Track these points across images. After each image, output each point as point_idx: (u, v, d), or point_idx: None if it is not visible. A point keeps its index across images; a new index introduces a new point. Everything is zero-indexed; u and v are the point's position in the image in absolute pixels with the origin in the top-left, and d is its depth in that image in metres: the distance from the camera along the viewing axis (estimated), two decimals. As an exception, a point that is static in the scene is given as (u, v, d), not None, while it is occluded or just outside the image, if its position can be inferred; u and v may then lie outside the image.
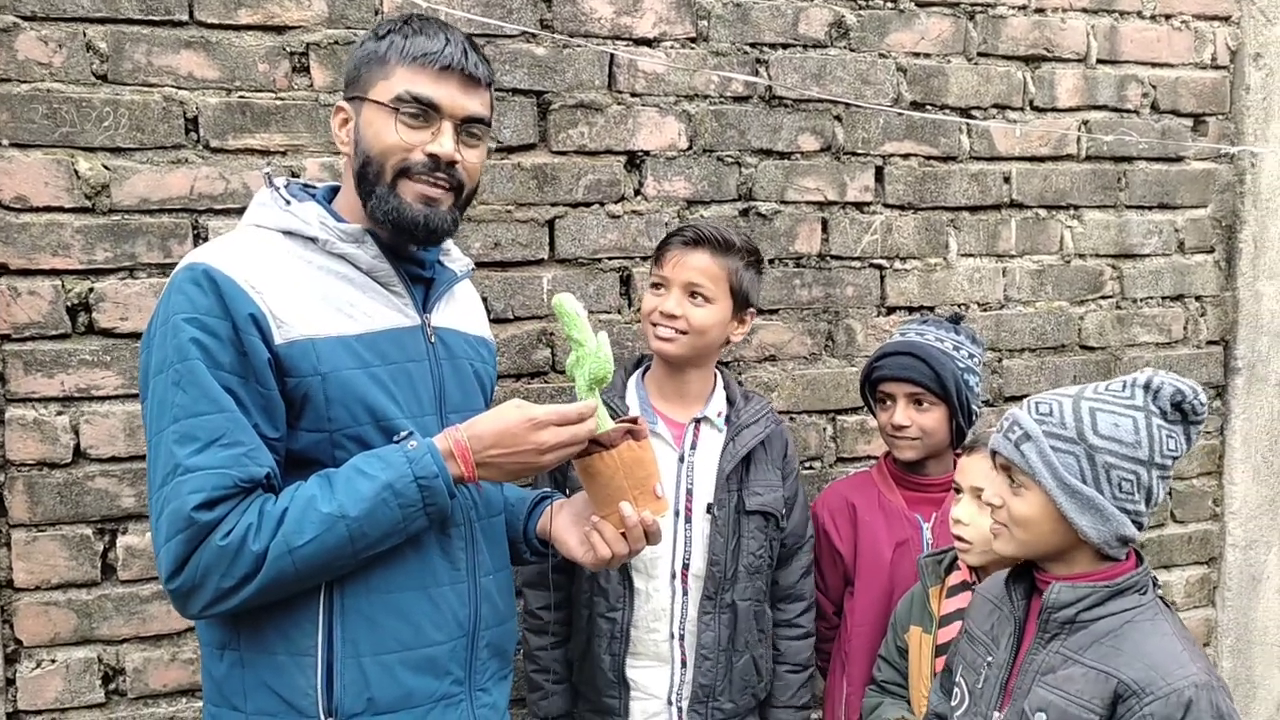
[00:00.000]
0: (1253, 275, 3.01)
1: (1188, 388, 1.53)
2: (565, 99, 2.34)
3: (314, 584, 1.39)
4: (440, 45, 1.45)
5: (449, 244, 1.63)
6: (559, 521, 1.63)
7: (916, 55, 2.63)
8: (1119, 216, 2.87)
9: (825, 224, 2.59)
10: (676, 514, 2.05)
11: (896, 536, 2.23)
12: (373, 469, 1.36)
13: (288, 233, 1.46)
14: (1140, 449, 1.51)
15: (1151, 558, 2.98)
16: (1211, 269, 3.00)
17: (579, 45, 2.33)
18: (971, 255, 2.73)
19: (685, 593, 2.05)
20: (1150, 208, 2.91)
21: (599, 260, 2.40)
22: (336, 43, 2.16)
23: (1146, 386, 1.55)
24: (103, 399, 2.07)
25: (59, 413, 2.04)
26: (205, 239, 2.09)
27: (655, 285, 2.07)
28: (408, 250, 1.53)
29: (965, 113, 2.68)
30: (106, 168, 2.04)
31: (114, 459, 2.08)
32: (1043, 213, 2.79)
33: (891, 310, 2.67)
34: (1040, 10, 2.73)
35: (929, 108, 2.64)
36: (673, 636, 2.05)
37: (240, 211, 1.62)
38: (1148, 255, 2.92)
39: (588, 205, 2.38)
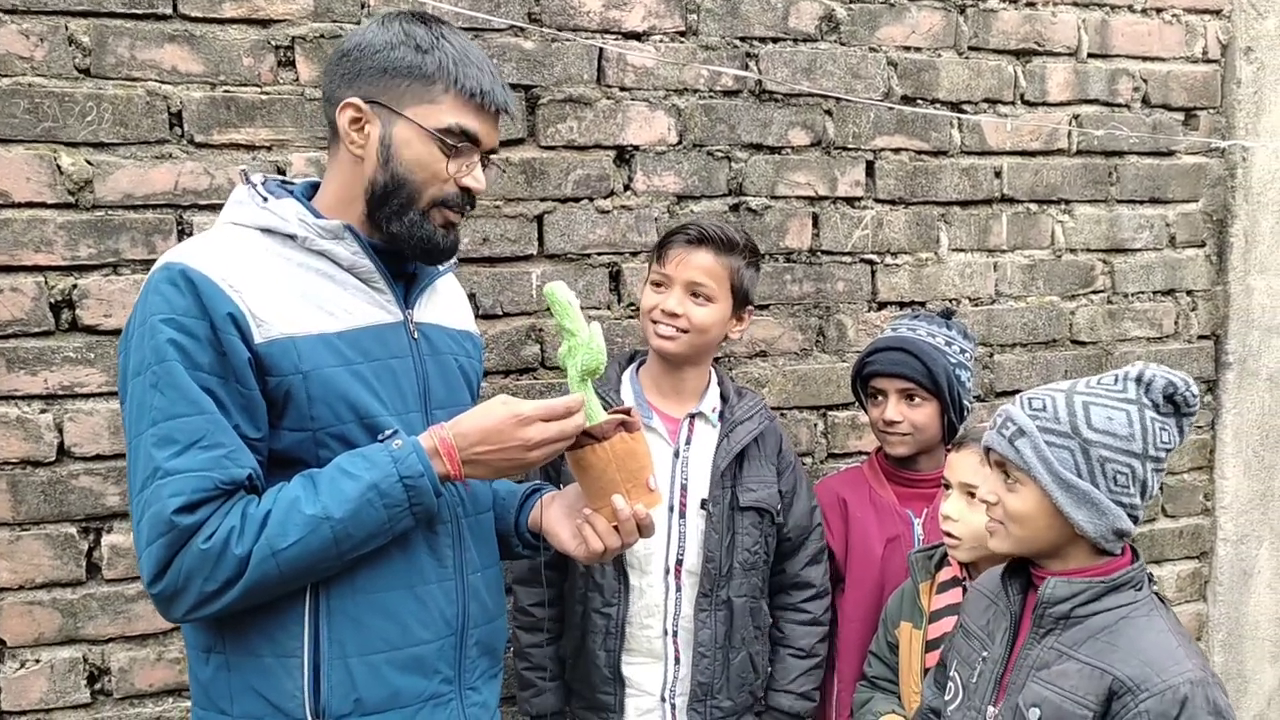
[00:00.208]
0: (1244, 270, 3.00)
1: (1179, 380, 1.53)
2: (554, 93, 2.32)
3: (299, 586, 1.37)
4: (489, 83, 1.47)
5: None
6: (551, 514, 1.61)
7: (907, 49, 2.62)
8: (1110, 211, 2.87)
9: (816, 219, 2.58)
10: (671, 509, 2.04)
11: (887, 532, 2.22)
12: (357, 469, 1.34)
13: (266, 230, 1.43)
14: (1134, 442, 1.51)
15: (1143, 552, 2.96)
16: (1202, 263, 2.99)
17: (568, 39, 2.31)
18: (962, 250, 2.72)
19: (679, 589, 2.04)
20: (1141, 202, 2.90)
21: (588, 256, 2.39)
22: (322, 36, 2.14)
23: (1138, 379, 1.54)
24: (86, 396, 2.05)
25: (42, 410, 2.02)
26: (190, 235, 2.07)
27: (656, 283, 2.05)
28: (390, 246, 1.51)
29: (956, 107, 2.67)
30: (89, 163, 2.02)
31: (98, 457, 2.06)
32: (1034, 207, 2.79)
33: (882, 305, 2.66)
34: (1031, 4, 2.72)
35: (920, 102, 2.63)
36: (666, 633, 2.05)
37: (225, 207, 1.61)
38: (1139, 250, 2.91)
39: (577, 200, 2.37)
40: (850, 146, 2.58)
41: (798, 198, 2.55)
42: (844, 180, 2.58)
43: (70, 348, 2.03)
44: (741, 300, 2.07)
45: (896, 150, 2.63)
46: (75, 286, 2.03)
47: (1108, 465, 1.50)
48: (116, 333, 2.01)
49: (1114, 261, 2.89)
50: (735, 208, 2.49)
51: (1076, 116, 2.80)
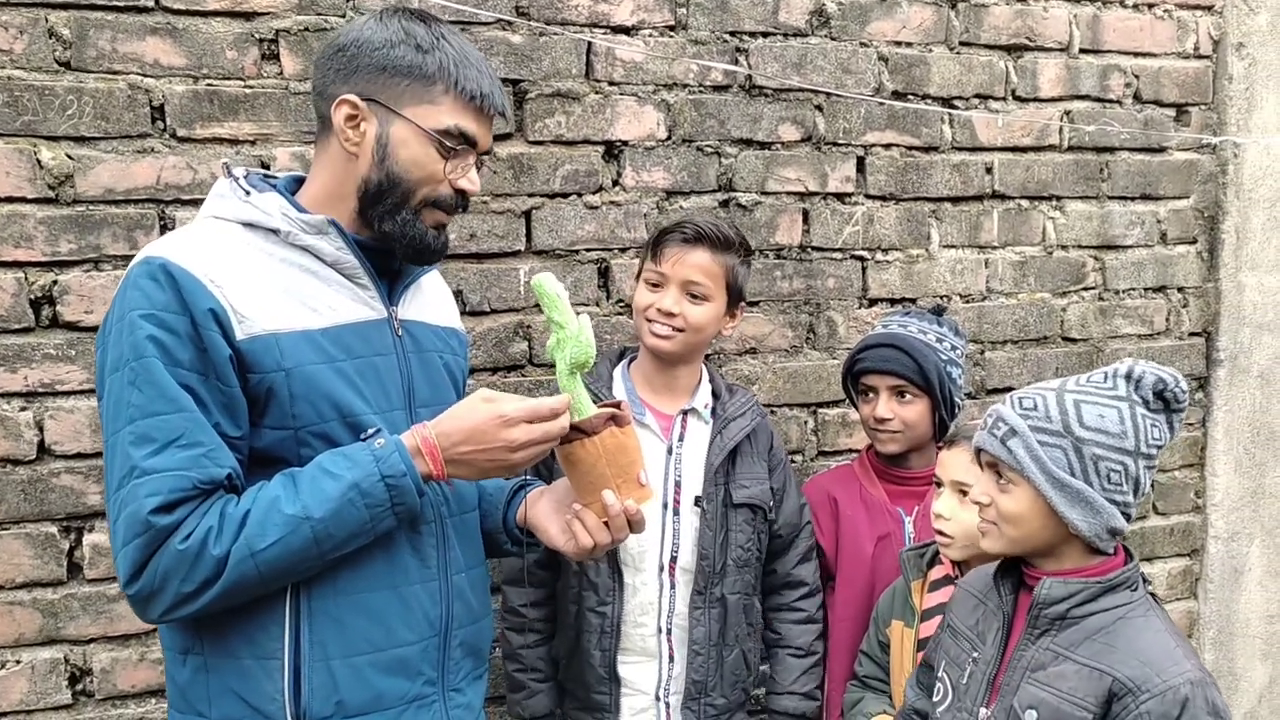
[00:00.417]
0: (1235, 266, 3.00)
1: (1169, 376, 1.53)
2: (542, 88, 2.30)
3: (280, 586, 1.35)
4: (489, 86, 1.46)
5: None
6: (539, 509, 1.59)
7: (898, 44, 2.60)
8: (1101, 207, 2.86)
9: (806, 215, 2.56)
10: (664, 506, 2.03)
11: (878, 530, 2.21)
12: (338, 468, 1.32)
13: (248, 224, 1.41)
14: (1127, 439, 1.50)
15: (1134, 550, 2.96)
16: (1194, 260, 2.99)
17: (556, 33, 2.29)
18: (953, 246, 2.71)
19: (673, 586, 2.03)
20: (1133, 198, 2.89)
21: (576, 252, 2.37)
22: (307, 30, 2.12)
23: (1128, 376, 1.54)
24: (67, 394, 2.02)
25: (22, 408, 2.00)
26: (172, 230, 2.04)
27: (651, 282, 2.03)
28: (380, 245, 1.49)
29: (947, 102, 2.66)
30: (70, 157, 1.99)
31: (79, 455, 2.03)
32: (1025, 203, 2.78)
33: (873, 302, 2.64)
34: (1023, -1, 2.72)
35: (911, 97, 2.62)
36: (660, 631, 2.04)
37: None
38: (1130, 246, 2.91)
39: (565, 196, 2.35)
40: (841, 142, 2.57)
41: (788, 194, 2.53)
42: (834, 176, 2.57)
43: (51, 345, 2.00)
44: (735, 297, 2.07)
45: (887, 146, 2.61)
46: (56, 283, 2.00)
47: (1101, 463, 1.49)
48: (98, 329, 1.98)
49: (1105, 258, 2.88)
50: (725, 204, 2.48)
51: (1068, 112, 2.79)
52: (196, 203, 2.05)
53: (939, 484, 2.01)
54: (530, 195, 2.32)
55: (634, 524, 1.50)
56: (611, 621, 2.01)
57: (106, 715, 2.09)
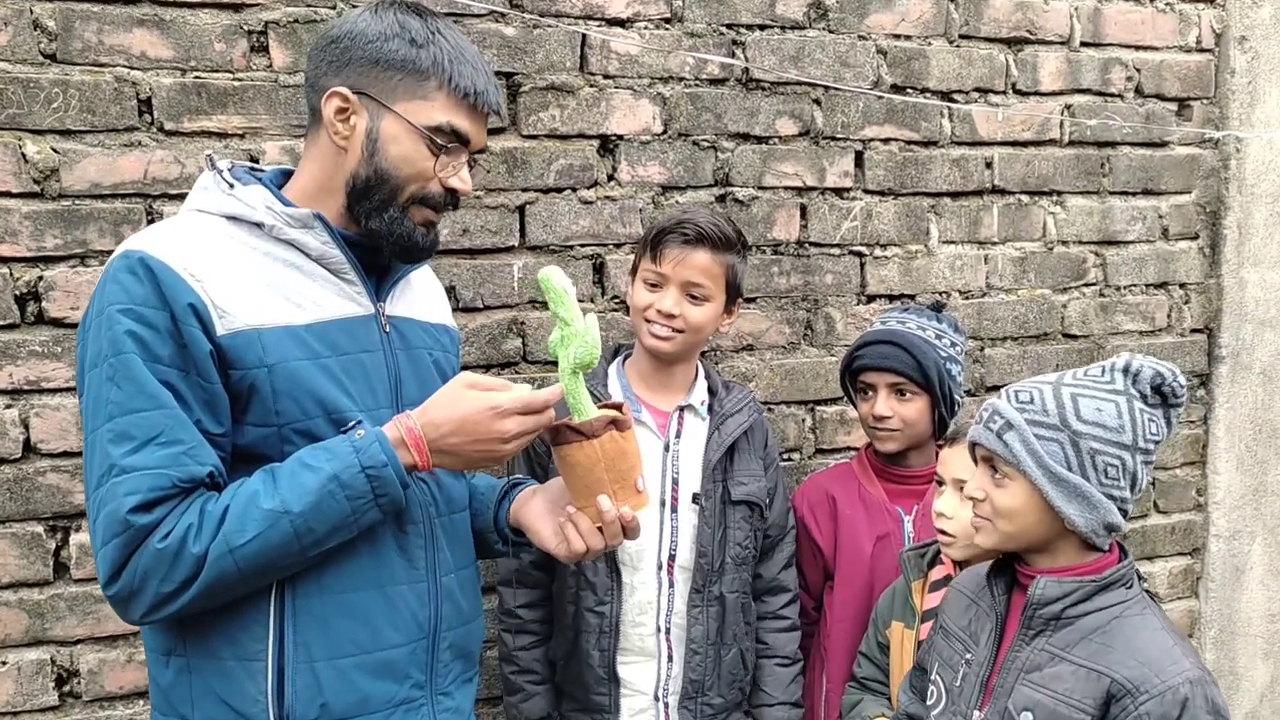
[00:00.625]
0: (1237, 262, 2.97)
1: (1167, 370, 1.51)
2: (536, 81, 2.27)
3: (263, 584, 1.32)
4: (484, 83, 1.43)
5: None
6: (531, 509, 1.56)
7: (897, 37, 2.57)
8: (1102, 203, 2.83)
9: (804, 210, 2.53)
10: (662, 504, 2.01)
11: (877, 530, 2.19)
12: (317, 461, 1.30)
13: (232, 217, 1.38)
14: (1124, 433, 1.48)
15: (1134, 548, 2.96)
16: (1196, 256, 2.97)
17: (550, 25, 2.26)
18: (953, 242, 2.69)
19: (671, 585, 2.01)
20: (1134, 194, 2.87)
21: (571, 248, 2.34)
22: (297, 21, 2.09)
23: (1126, 370, 1.52)
24: (53, 391, 1.99)
25: (8, 406, 1.97)
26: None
27: (650, 282, 2.00)
28: (367, 242, 1.46)
29: (947, 96, 2.63)
30: (56, 151, 1.96)
31: (65, 454, 2.01)
32: (1025, 199, 2.75)
33: (872, 298, 2.62)
34: (1023, -9, 2.69)
35: (910, 91, 2.59)
36: (659, 630, 2.01)
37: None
38: (1131, 242, 2.88)
39: (559, 191, 2.32)
40: (839, 136, 2.54)
41: (785, 188, 2.50)
42: (832, 171, 2.54)
43: (36, 341, 1.98)
44: (734, 295, 2.05)
45: (886, 140, 2.58)
46: (41, 278, 1.97)
47: (1098, 457, 1.47)
48: (81, 325, 1.96)
49: (1106, 254, 2.86)
50: (721, 198, 2.45)
51: (1069, 106, 2.76)
52: (184, 198, 1.98)
53: (940, 482, 1.99)
54: (524, 190, 2.29)
55: (629, 531, 1.47)
56: (610, 621, 1.99)
57: (94, 717, 2.06)
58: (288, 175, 1.51)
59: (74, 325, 1.98)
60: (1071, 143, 2.78)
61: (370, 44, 1.39)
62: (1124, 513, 1.50)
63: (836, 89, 2.51)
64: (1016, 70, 2.70)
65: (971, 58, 2.65)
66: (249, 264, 1.35)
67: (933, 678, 1.65)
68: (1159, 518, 3.00)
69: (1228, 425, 3.01)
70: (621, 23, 2.33)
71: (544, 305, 2.31)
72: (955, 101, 2.64)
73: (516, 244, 2.30)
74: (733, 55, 2.42)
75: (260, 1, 2.06)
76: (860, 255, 2.60)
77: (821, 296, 2.57)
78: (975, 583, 1.65)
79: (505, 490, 1.66)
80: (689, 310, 1.97)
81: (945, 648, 1.65)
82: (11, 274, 1.95)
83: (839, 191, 2.56)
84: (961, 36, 2.64)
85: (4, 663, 2.00)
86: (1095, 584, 1.48)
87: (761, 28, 2.44)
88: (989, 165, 2.70)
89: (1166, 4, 2.84)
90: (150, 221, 2.02)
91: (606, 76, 2.33)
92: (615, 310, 2.38)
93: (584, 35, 2.29)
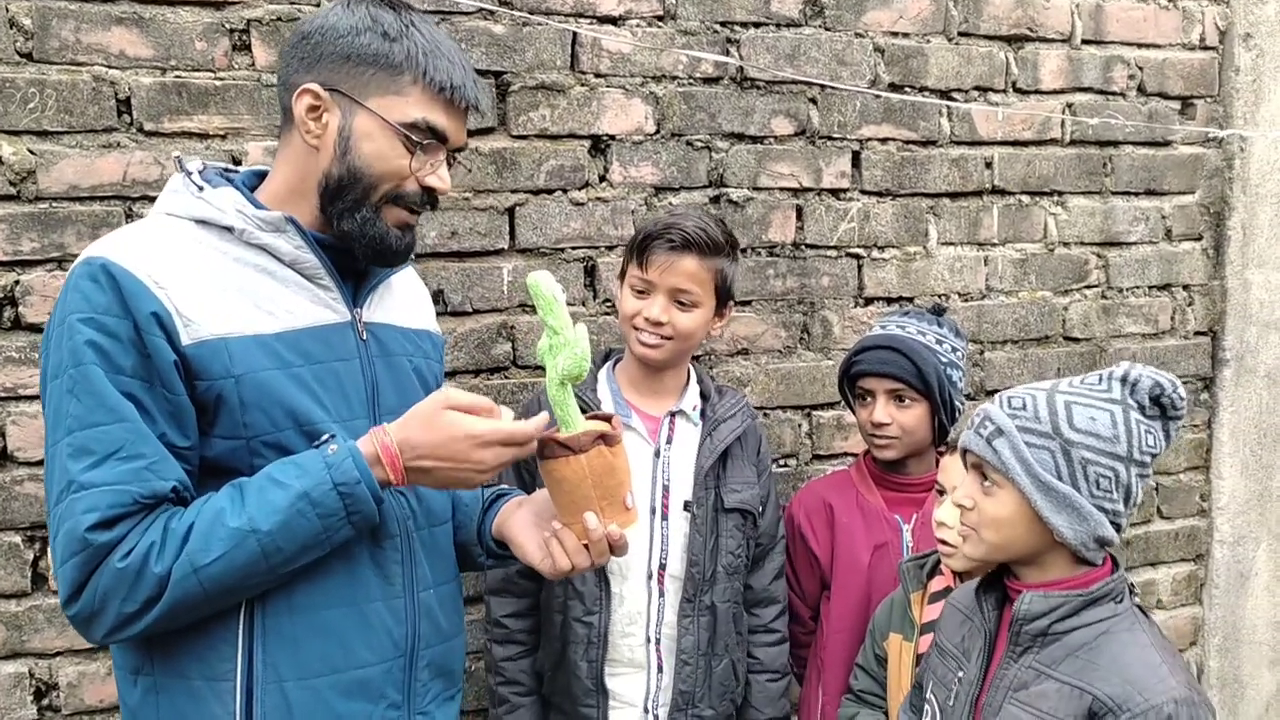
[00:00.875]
0: (1241, 264, 2.93)
1: (1166, 381, 1.46)
2: (525, 80, 2.23)
3: (231, 603, 1.28)
4: (460, 77, 1.38)
5: None
6: (516, 522, 1.51)
7: (895, 35, 2.53)
8: (1104, 203, 2.79)
9: (800, 211, 2.49)
10: (653, 512, 1.97)
11: (875, 539, 2.15)
12: (287, 477, 1.25)
13: (201, 221, 1.34)
14: (1118, 444, 1.44)
15: (1137, 555, 2.92)
16: (1199, 257, 2.93)
17: (539, 23, 2.22)
18: (952, 244, 2.64)
19: (662, 594, 1.97)
20: (1137, 194, 2.83)
21: (562, 250, 2.30)
22: (279, 20, 2.04)
23: (1124, 379, 1.48)
24: (31, 398, 1.95)
25: (-17, 414, 1.93)
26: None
27: (637, 289, 1.96)
28: (341, 244, 1.41)
29: (945, 95, 2.58)
30: (32, 152, 1.92)
31: (43, 462, 1.95)
32: (1026, 199, 2.71)
33: (869, 301, 2.58)
34: (1023, -12, 2.65)
35: (908, 90, 2.55)
36: (649, 640, 1.97)
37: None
38: (1134, 243, 2.84)
39: (550, 192, 2.27)
40: (835, 136, 2.49)
41: (781, 189, 2.46)
42: (829, 171, 2.49)
43: (13, 347, 1.93)
44: (724, 299, 2.01)
45: (884, 140, 2.54)
46: (18, 283, 1.93)
47: (1090, 468, 1.43)
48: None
49: (1108, 255, 2.82)
50: (716, 199, 2.40)
51: (1070, 105, 2.72)
52: (163, 199, 1.98)
53: (941, 491, 1.94)
54: (514, 191, 2.25)
55: (615, 548, 1.42)
56: (598, 632, 1.95)
57: (73, 731, 2.02)
58: (262, 177, 1.46)
59: (51, 331, 1.94)
60: (1073, 142, 2.74)
61: (341, 39, 1.35)
62: (1117, 526, 1.46)
63: (833, 88, 2.46)
64: (1017, 68, 2.66)
65: (971, 56, 2.61)
66: (217, 270, 1.31)
67: (927, 696, 1.61)
68: (1162, 523, 2.96)
69: (1232, 429, 2.97)
70: (613, 20, 2.29)
71: (534, 309, 2.26)
72: (954, 100, 2.59)
73: (506, 246, 2.26)
74: (727, 53, 2.37)
75: (242, -1, 2.02)
76: (858, 257, 2.55)
77: (818, 299, 2.52)
78: (969, 598, 1.61)
79: (490, 501, 1.62)
80: (678, 317, 1.93)
81: (940, 665, 1.61)
82: (-13, 278, 1.91)
83: (836, 192, 2.52)
84: (960, 34, 2.60)
85: (-20, 676, 1.96)
86: (1082, 598, 1.44)
87: (756, 25, 2.40)
88: (989, 165, 2.65)
89: (1170, 1, 2.80)
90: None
91: (598, 75, 2.28)
92: (607, 314, 2.34)
93: (575, 33, 2.25)
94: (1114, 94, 2.77)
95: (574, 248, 2.30)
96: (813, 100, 2.47)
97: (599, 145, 2.31)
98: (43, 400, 1.29)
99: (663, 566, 1.97)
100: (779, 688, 2.11)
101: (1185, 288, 2.92)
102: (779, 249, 2.48)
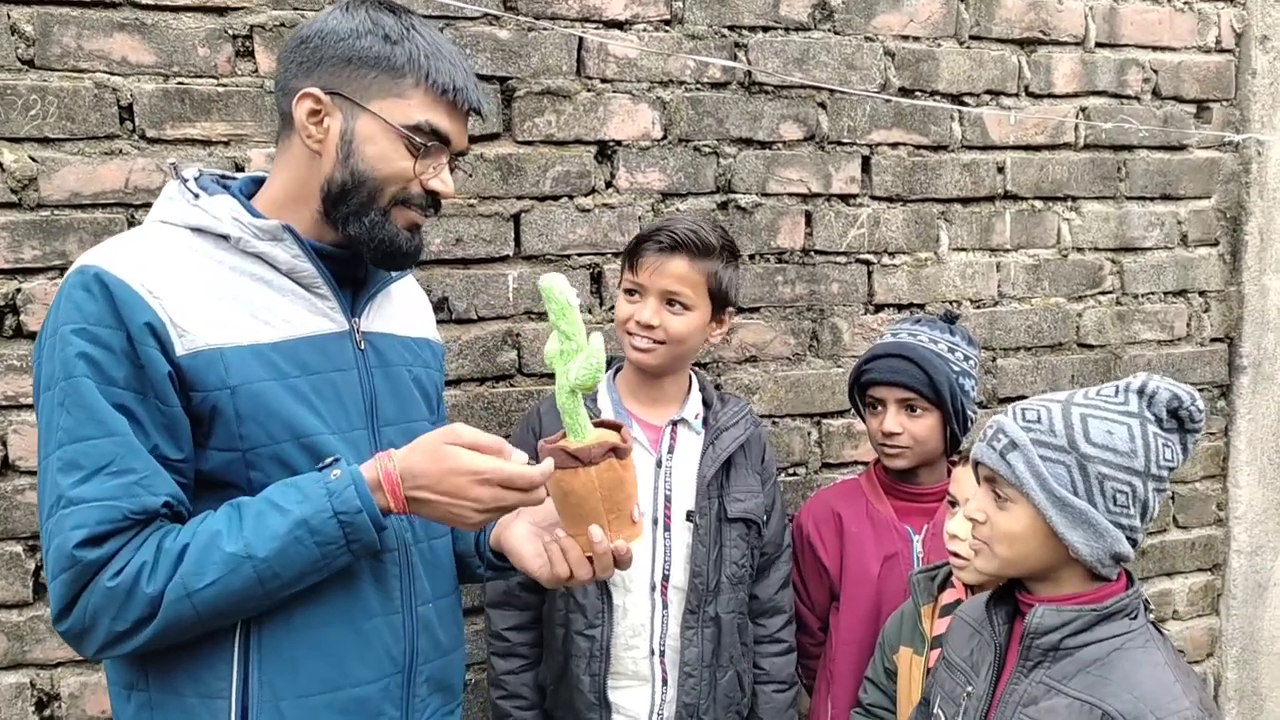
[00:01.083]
0: (1259, 269, 2.90)
1: (1185, 393, 1.43)
2: (531, 85, 2.21)
3: (226, 624, 1.26)
4: (462, 79, 1.37)
5: None
6: (515, 531, 1.47)
7: (905, 38, 2.50)
8: (1119, 208, 2.76)
9: (809, 217, 2.46)
10: (655, 522, 1.94)
11: (885, 549, 2.12)
12: (288, 502, 1.22)
13: (196, 229, 1.32)
14: (1136, 459, 1.41)
15: (1153, 564, 2.88)
16: (1216, 263, 2.89)
17: (545, 28, 2.19)
18: (964, 249, 2.61)
19: (665, 606, 1.94)
20: (1152, 199, 2.79)
21: (568, 257, 2.27)
22: (283, 25, 2.03)
23: (1141, 392, 1.44)
24: (32, 407, 1.91)
25: (-16, 423, 1.92)
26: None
27: (629, 291, 1.94)
28: (338, 250, 1.39)
29: (957, 99, 2.55)
30: (34, 159, 1.90)
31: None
32: (1039, 204, 2.68)
33: (879, 308, 2.54)
34: (1036, -9, 2.62)
35: (918, 94, 2.52)
36: (653, 653, 1.95)
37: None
38: (1149, 249, 2.81)
39: (556, 198, 2.25)
40: (845, 141, 2.47)
41: (790, 195, 2.43)
42: (839, 176, 2.47)
43: (14, 355, 1.92)
44: (721, 303, 1.97)
45: (894, 145, 2.51)
46: (19, 291, 1.92)
47: (1107, 483, 1.40)
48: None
49: (1123, 261, 2.78)
50: (724, 205, 2.38)
51: (1084, 109, 2.69)
52: (165, 207, 1.97)
53: (953, 502, 1.91)
54: (519, 198, 2.23)
55: (620, 562, 1.39)
56: (600, 645, 1.92)
57: (74, 743, 2.01)
58: (260, 184, 1.44)
59: (52, 339, 1.93)
60: (1087, 146, 2.70)
61: (342, 42, 1.33)
62: (1133, 542, 1.43)
63: (842, 92, 2.44)
64: (1029, 72, 2.63)
65: (982, 59, 2.57)
66: (213, 279, 1.29)
67: (934, 712, 1.58)
68: (1178, 533, 2.92)
69: (1249, 437, 2.93)
70: (620, 25, 2.27)
71: (541, 316, 2.24)
72: (966, 104, 2.56)
73: (511, 253, 2.23)
74: (735, 58, 2.35)
75: (245, 5, 2.01)
76: (868, 263, 2.52)
77: (828, 306, 2.50)
78: (978, 612, 1.58)
79: None
80: (669, 320, 1.91)
81: (948, 680, 1.58)
82: (-12, 286, 1.90)
83: (845, 198, 2.49)
84: (972, 37, 2.57)
85: (-19, 687, 1.95)
86: (1096, 613, 1.41)
87: (764, 29, 2.38)
88: (1001, 170, 2.62)
89: (1185, 3, 2.77)
90: (131, 232, 1.97)
91: (604, 80, 2.26)
92: (614, 322, 2.31)
93: (581, 38, 2.23)
94: (1128, 97, 2.74)
95: (580, 255, 2.28)
96: (822, 105, 2.44)
97: (605, 151, 2.29)
98: (36, 411, 1.27)
99: (666, 578, 1.94)
100: (786, 698, 2.08)
101: (1201, 294, 2.88)
102: (788, 255, 2.45)
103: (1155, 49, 2.75)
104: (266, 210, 1.37)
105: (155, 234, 1.32)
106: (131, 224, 1.97)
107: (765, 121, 2.39)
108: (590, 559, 1.37)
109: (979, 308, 2.64)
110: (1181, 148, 2.81)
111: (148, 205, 1.97)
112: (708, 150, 2.36)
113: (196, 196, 1.33)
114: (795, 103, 2.42)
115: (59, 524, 1.19)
